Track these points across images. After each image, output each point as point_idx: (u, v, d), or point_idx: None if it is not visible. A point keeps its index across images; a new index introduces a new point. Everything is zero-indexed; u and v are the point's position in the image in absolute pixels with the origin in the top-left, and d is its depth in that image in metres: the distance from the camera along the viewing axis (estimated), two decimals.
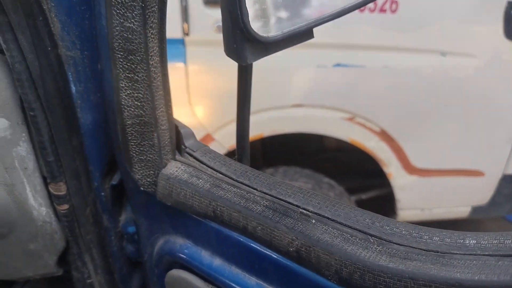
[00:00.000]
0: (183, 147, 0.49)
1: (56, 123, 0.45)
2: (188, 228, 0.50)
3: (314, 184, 1.95)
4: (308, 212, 0.41)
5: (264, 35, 0.41)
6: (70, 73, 0.45)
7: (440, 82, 1.75)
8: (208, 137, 1.85)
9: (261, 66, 1.80)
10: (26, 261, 0.56)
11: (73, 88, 0.44)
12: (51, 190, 0.50)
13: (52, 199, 0.52)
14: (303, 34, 0.46)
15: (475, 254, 0.34)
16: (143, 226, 0.54)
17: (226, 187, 0.45)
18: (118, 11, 0.36)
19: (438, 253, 0.35)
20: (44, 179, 0.52)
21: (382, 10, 1.64)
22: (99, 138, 0.50)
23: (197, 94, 1.73)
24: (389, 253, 0.37)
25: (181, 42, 1.61)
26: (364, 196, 2.27)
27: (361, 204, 2.19)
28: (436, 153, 1.92)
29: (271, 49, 0.44)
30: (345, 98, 1.80)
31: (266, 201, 0.43)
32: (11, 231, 0.52)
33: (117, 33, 0.38)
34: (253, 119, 1.86)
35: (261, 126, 1.86)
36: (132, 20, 0.37)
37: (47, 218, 0.52)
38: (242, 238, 0.44)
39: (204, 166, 0.48)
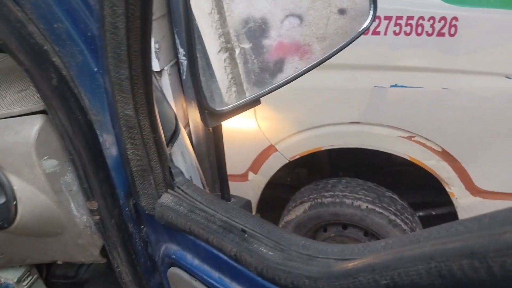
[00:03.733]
0: (173, 182, 0.72)
1: (87, 163, 0.70)
2: (177, 239, 0.72)
3: (374, 198, 2.00)
4: (245, 228, 0.62)
5: (218, 109, 0.60)
6: (97, 130, 0.69)
7: (505, 105, 1.69)
8: (271, 148, 2.05)
9: (320, 87, 1.93)
10: (78, 251, 0.83)
11: (100, 139, 0.69)
12: (87, 205, 0.76)
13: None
14: (251, 103, 0.64)
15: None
16: (152, 236, 0.78)
17: (197, 212, 0.67)
18: (120, 104, 0.60)
19: (309, 256, 0.54)
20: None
21: (441, 34, 1.65)
22: (122, 171, 0.73)
23: (262, 109, 1.95)
24: (284, 257, 0.57)
25: None
26: (433, 212, 2.25)
27: (427, 219, 2.18)
28: (502, 176, 1.84)
29: (224, 117, 0.62)
30: (403, 118, 1.83)
31: (220, 222, 0.64)
32: (63, 231, 0.79)
33: (121, 116, 0.61)
34: (312, 133, 2.01)
35: (319, 140, 1.98)
36: (129, 109, 0.60)
37: (87, 224, 0.78)
38: (207, 246, 0.66)
39: (187, 196, 0.70)
